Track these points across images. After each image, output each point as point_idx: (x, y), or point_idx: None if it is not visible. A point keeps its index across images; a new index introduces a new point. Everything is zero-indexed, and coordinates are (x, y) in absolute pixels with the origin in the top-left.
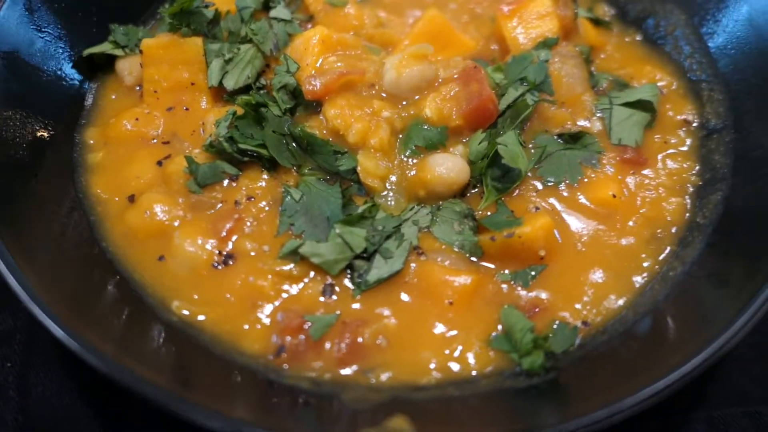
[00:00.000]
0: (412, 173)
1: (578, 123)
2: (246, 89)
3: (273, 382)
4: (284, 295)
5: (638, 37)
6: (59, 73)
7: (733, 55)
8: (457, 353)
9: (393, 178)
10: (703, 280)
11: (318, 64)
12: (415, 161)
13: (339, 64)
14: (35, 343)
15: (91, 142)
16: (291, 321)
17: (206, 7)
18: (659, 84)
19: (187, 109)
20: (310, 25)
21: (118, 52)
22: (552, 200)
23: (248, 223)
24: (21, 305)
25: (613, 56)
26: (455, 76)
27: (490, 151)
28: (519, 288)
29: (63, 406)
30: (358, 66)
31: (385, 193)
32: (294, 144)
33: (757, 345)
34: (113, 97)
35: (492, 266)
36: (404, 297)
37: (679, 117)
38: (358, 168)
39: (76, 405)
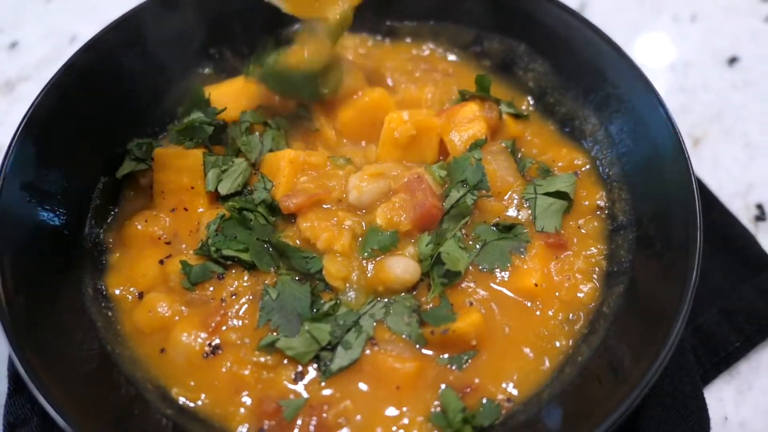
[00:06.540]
0: (370, 272)
1: (511, 212)
2: (237, 193)
3: None
4: (262, 383)
5: (557, 126)
6: (88, 187)
7: (637, 163)
8: (402, 430)
9: (354, 277)
10: (602, 365)
11: (291, 184)
12: (372, 263)
13: (309, 185)
14: (50, 427)
15: (110, 244)
16: (268, 405)
17: (210, 124)
18: (576, 163)
19: (186, 209)
20: None
21: (142, 166)
22: (485, 290)
23: (232, 318)
24: None
25: (532, 142)
26: (404, 183)
27: (435, 252)
28: (455, 370)
29: None
30: (325, 185)
31: (347, 290)
32: (272, 249)
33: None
34: (131, 193)
35: (433, 353)
36: (360, 382)
37: (589, 203)
38: (324, 271)
39: None
